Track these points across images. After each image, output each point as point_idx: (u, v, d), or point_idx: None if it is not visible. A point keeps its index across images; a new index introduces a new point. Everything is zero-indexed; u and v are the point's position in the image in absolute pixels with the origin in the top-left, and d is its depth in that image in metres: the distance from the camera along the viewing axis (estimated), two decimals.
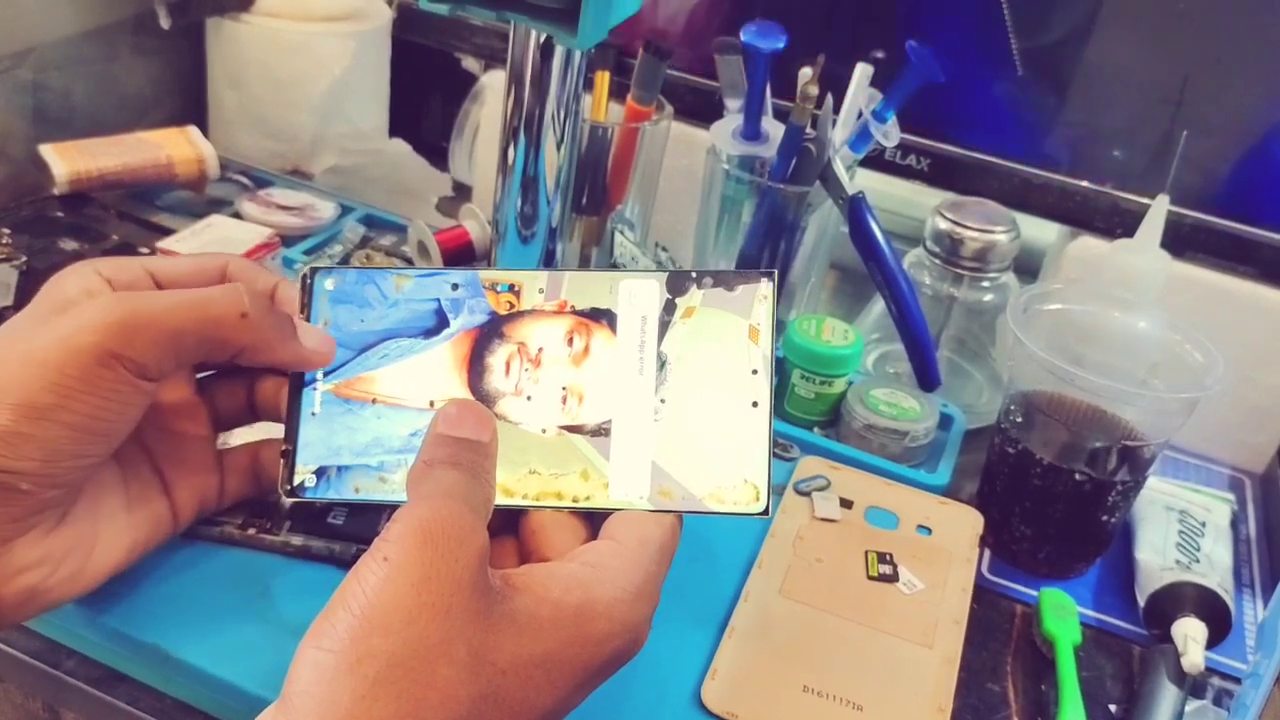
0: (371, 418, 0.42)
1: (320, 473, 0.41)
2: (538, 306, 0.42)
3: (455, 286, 0.42)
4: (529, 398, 0.41)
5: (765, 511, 0.39)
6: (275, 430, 0.43)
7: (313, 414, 0.42)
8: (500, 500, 0.39)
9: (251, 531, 0.48)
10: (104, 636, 0.44)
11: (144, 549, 0.42)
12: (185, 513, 0.44)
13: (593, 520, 0.40)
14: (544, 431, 0.40)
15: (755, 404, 0.40)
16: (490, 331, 0.42)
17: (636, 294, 0.41)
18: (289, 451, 0.42)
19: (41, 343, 0.35)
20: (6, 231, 0.74)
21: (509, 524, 0.40)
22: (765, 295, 0.41)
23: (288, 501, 0.44)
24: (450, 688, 0.30)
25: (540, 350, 0.41)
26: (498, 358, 0.41)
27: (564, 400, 0.41)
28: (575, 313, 0.42)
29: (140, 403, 0.37)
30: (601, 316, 0.41)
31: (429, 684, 0.30)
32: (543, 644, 0.33)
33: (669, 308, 0.41)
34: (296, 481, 0.41)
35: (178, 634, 0.43)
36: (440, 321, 0.42)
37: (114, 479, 0.41)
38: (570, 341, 0.41)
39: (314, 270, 0.43)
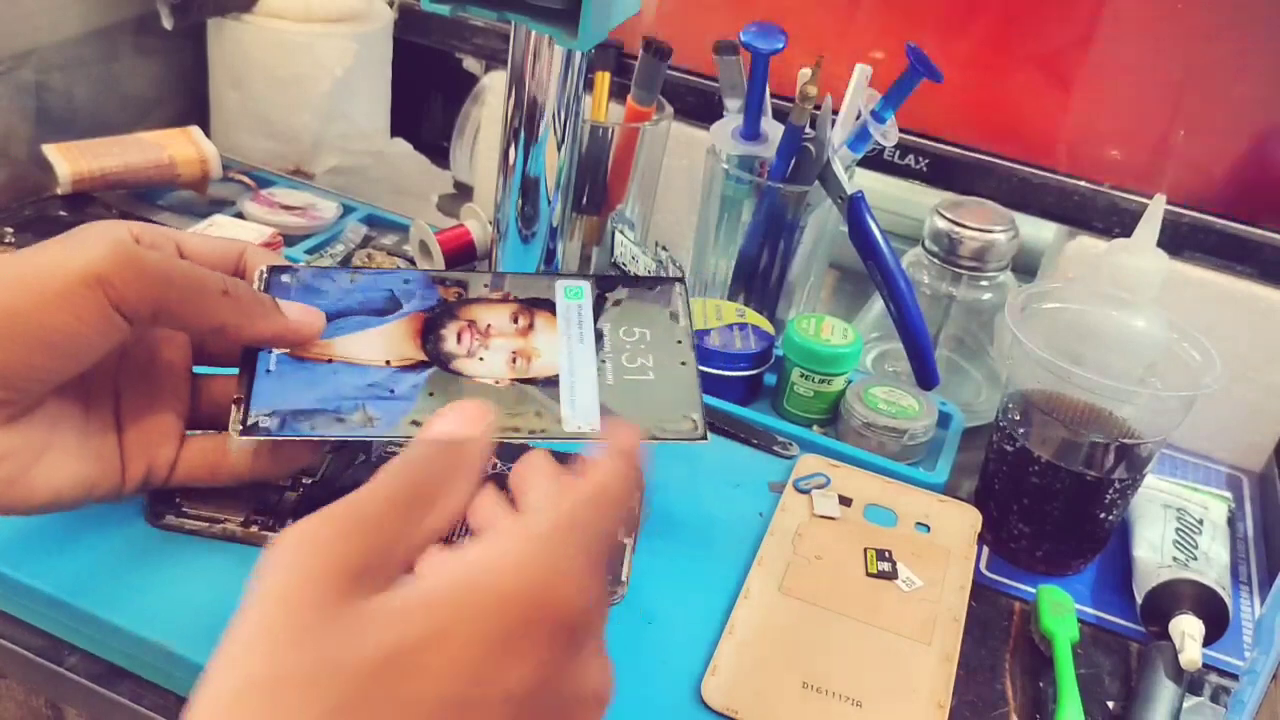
0: (328, 373, 0.43)
1: (274, 414, 0.42)
2: (482, 295, 0.46)
3: (407, 281, 0.47)
4: (481, 359, 0.44)
5: (704, 437, 0.44)
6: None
7: (268, 371, 0.43)
8: None
9: (254, 529, 0.48)
10: (106, 633, 0.44)
11: (85, 492, 0.42)
12: (133, 475, 0.44)
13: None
14: (496, 383, 0.44)
15: (683, 363, 0.46)
16: (441, 312, 0.45)
17: (572, 291, 0.47)
18: (242, 401, 0.42)
19: (38, 257, 0.37)
20: (10, 231, 0.75)
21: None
22: (680, 293, 0.48)
23: (289, 498, 0.45)
24: (298, 709, 0.27)
25: (489, 326, 0.45)
26: (449, 330, 0.45)
27: (514, 361, 0.45)
28: (517, 300, 0.46)
29: (109, 336, 0.38)
30: (542, 304, 0.47)
31: (273, 713, 0.27)
32: (412, 626, 0.28)
33: (600, 300, 0.47)
34: (250, 422, 0.42)
35: (180, 630, 0.43)
36: (393, 304, 0.46)
37: (76, 411, 0.42)
38: (515, 320, 0.46)
39: (271, 268, 0.45)
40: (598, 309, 0.47)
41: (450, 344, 0.44)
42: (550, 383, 0.44)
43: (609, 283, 0.48)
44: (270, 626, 0.28)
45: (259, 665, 0.28)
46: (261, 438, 0.42)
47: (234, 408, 0.42)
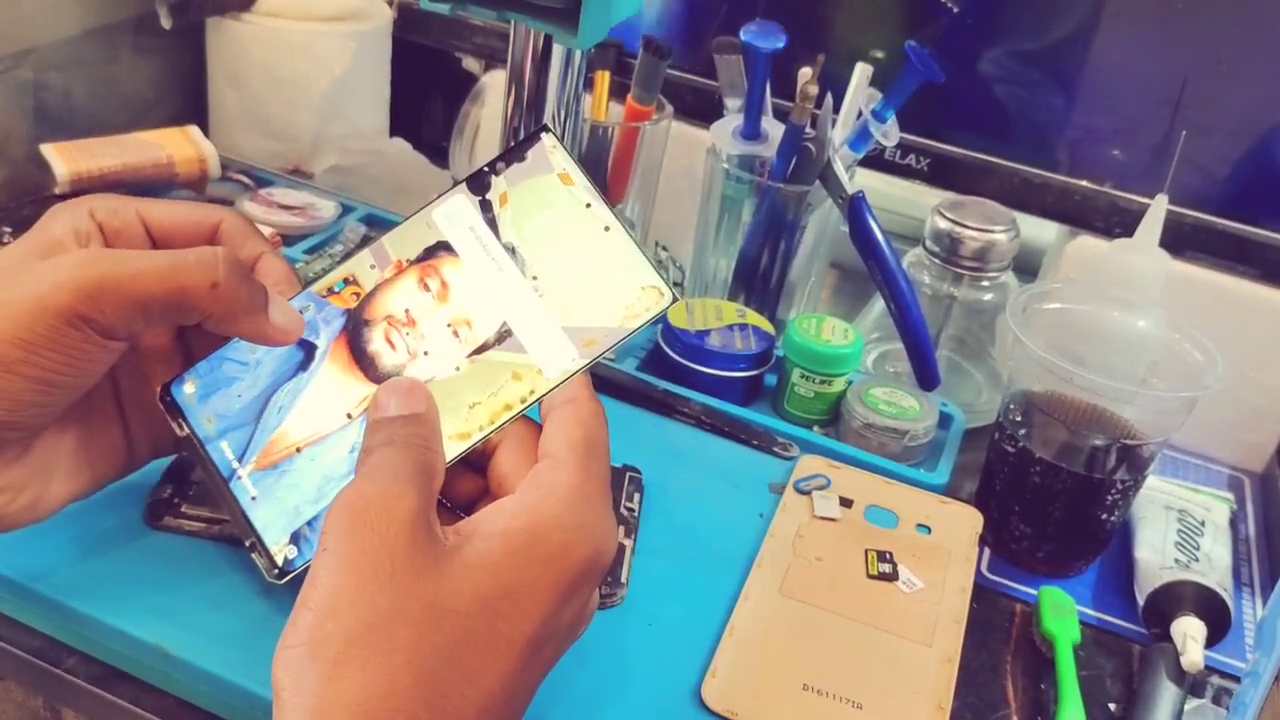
0: (306, 463, 0.41)
1: (295, 538, 0.41)
2: (378, 281, 0.43)
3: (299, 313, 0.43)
4: (426, 353, 0.42)
5: (675, 299, 0.41)
6: None
7: (252, 499, 0.41)
8: (462, 446, 0.40)
9: None
10: (105, 635, 0.44)
11: (99, 483, 0.43)
12: (141, 454, 0.44)
13: None
14: (458, 370, 0.41)
15: (607, 229, 0.42)
16: (355, 327, 0.42)
17: (453, 215, 0.43)
18: (256, 543, 0.41)
19: (13, 295, 0.36)
20: (8, 231, 0.74)
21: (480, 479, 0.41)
22: (554, 146, 0.43)
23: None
24: (414, 644, 0.32)
25: (407, 310, 0.42)
26: (377, 342, 0.42)
27: (456, 334, 0.42)
28: (413, 263, 0.43)
29: (106, 359, 0.38)
30: (437, 250, 0.43)
31: (390, 648, 0.32)
32: (502, 576, 0.34)
33: (485, 207, 0.43)
34: (280, 562, 0.41)
35: (179, 632, 0.43)
36: (308, 350, 0.42)
37: (78, 413, 0.41)
38: (426, 287, 0.42)
39: (165, 387, 0.43)
40: (490, 220, 0.42)
41: (388, 357, 0.42)
42: (504, 337, 0.41)
43: (480, 182, 0.43)
44: (370, 578, 0.32)
45: (366, 612, 0.32)
46: (299, 569, 0.40)
47: (255, 556, 0.41)
